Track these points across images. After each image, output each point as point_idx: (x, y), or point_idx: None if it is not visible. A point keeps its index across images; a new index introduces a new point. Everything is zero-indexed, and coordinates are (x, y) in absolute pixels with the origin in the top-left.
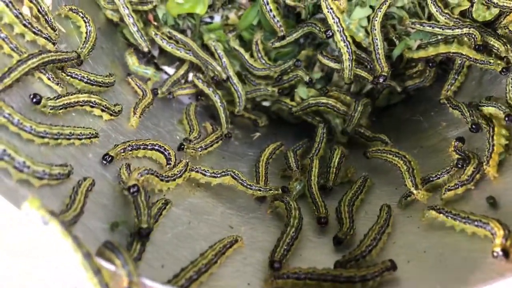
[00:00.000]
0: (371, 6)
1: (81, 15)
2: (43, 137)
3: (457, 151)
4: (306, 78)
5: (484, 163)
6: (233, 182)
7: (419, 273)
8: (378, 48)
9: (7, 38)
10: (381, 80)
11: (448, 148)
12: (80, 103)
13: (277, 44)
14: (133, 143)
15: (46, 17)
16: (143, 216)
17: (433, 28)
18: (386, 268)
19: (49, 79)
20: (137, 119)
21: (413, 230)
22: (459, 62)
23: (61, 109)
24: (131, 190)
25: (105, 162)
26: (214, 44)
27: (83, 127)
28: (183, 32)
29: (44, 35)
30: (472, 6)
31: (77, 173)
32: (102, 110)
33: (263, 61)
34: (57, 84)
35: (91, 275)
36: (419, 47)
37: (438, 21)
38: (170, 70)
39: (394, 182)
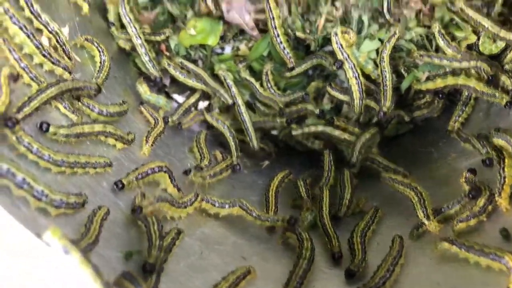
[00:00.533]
0: (379, 39)
1: (96, 44)
2: (60, 166)
3: (468, 182)
4: (316, 111)
5: (496, 195)
6: (241, 212)
7: None
8: (386, 80)
9: (27, 67)
10: (381, 115)
11: (458, 179)
12: (95, 134)
13: (288, 75)
14: (142, 170)
15: (64, 47)
16: (154, 249)
17: (441, 60)
18: None
19: (65, 108)
20: (149, 148)
21: (426, 262)
22: (466, 93)
23: (74, 137)
24: (134, 212)
25: (116, 187)
26: (223, 74)
27: (98, 156)
28: (194, 62)
29: (61, 65)
30: (478, 39)
31: (91, 202)
32: (116, 139)
33: (273, 91)
34: (73, 112)
35: None
36: (427, 79)
37: (446, 54)
38: (180, 98)
39: (405, 213)
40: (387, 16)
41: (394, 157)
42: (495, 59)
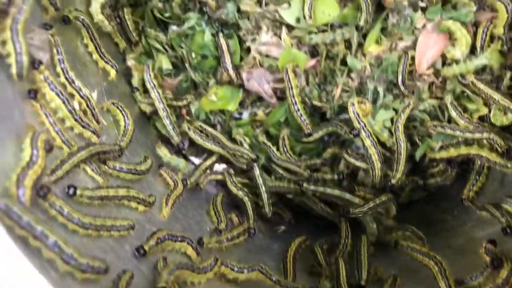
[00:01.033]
0: (394, 109)
1: (120, 108)
2: (87, 229)
3: (489, 253)
4: (335, 177)
5: None
6: (261, 276)
7: None
8: (401, 149)
9: (60, 131)
10: (389, 185)
11: (476, 249)
12: (119, 198)
13: (305, 140)
14: (163, 235)
15: (93, 112)
16: None
17: (454, 131)
18: None
19: (92, 170)
20: (169, 210)
21: None
22: (479, 163)
23: (98, 200)
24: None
25: (138, 254)
26: (240, 138)
27: (122, 219)
28: (213, 126)
29: (91, 129)
30: (490, 111)
31: (115, 266)
32: (138, 203)
33: (289, 155)
34: (99, 175)
35: None
36: (441, 148)
37: (459, 125)
38: (197, 160)
39: (424, 282)
40: (402, 88)
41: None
42: (507, 130)
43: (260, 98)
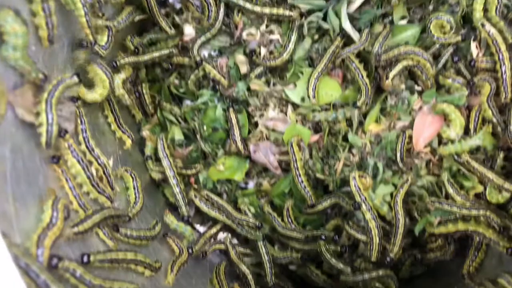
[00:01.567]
0: (393, 184)
1: (133, 176)
2: None
3: None
4: (338, 249)
5: None
6: None
7: None
8: (399, 223)
9: (78, 195)
10: (387, 259)
11: None
12: (127, 261)
13: (308, 211)
14: None
15: (109, 178)
16: None
17: (451, 207)
18: None
19: (104, 234)
20: (174, 277)
21: None
22: (478, 239)
23: (108, 263)
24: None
25: None
26: (245, 208)
27: (129, 282)
28: (219, 195)
29: (106, 195)
30: (485, 189)
31: None
32: (145, 267)
33: (293, 226)
34: (110, 239)
35: None
36: (440, 223)
37: (456, 201)
38: (201, 228)
39: None
40: (400, 165)
41: None
42: (503, 207)
43: (265, 169)
